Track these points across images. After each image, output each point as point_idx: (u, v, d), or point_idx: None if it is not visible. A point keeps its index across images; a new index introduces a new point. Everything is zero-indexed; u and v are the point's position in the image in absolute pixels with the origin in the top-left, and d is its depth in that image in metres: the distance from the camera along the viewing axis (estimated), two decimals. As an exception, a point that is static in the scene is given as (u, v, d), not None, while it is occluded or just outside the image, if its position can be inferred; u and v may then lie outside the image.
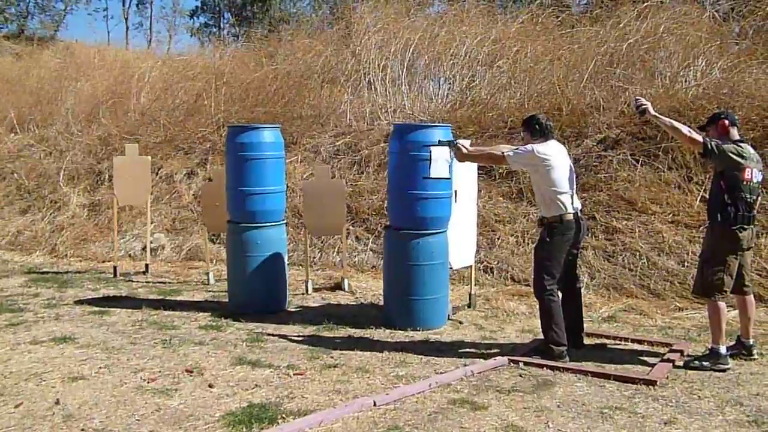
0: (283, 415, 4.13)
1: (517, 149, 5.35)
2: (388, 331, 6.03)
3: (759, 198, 5.12)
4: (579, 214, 5.20)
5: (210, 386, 4.64)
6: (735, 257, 4.99)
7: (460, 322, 6.30)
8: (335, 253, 8.58)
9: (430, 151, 5.98)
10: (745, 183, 4.92)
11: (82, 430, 3.98)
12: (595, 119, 8.90)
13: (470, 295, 6.78)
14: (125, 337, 5.79)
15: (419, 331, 6.00)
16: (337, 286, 7.56)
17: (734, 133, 5.11)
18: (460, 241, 6.42)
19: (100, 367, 5.02)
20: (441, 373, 4.92)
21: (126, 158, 8.49)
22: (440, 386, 4.64)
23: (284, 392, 4.55)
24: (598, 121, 8.86)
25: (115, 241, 8.76)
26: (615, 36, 10.16)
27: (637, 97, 5.02)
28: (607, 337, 5.79)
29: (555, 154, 5.15)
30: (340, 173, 9.46)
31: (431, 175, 6.02)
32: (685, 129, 5.01)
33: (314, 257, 8.51)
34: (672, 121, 5.07)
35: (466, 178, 6.50)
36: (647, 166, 8.13)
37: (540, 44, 10.81)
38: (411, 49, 11.45)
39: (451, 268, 6.43)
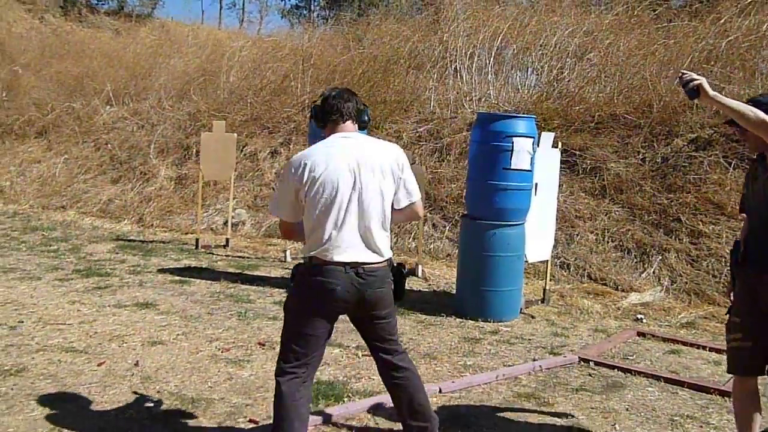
0: (350, 394, 4.20)
1: None
2: (458, 319, 6.02)
3: None
4: (356, 272, 3.08)
5: (281, 360, 4.75)
6: None
7: (532, 317, 6.23)
8: (411, 239, 8.60)
9: (513, 142, 5.92)
10: None
11: (158, 392, 4.15)
12: (687, 118, 8.58)
13: (544, 290, 6.68)
14: (203, 307, 5.98)
15: (490, 322, 5.96)
16: (411, 272, 7.57)
17: None
18: (537, 234, 6.33)
19: (178, 334, 5.23)
20: (509, 365, 4.89)
21: (213, 134, 8.72)
22: (507, 379, 4.62)
23: (352, 372, 4.62)
24: (691, 120, 8.53)
25: (198, 215, 9.03)
26: (714, 32, 9.75)
27: (683, 72, 3.30)
28: (684, 343, 5.62)
29: (317, 158, 3.12)
30: (420, 160, 9.45)
31: (512, 166, 5.96)
32: (760, 115, 3.18)
33: (390, 242, 8.53)
34: (742, 104, 3.25)
35: (547, 170, 6.39)
36: (740, 170, 7.78)
37: (634, 38, 10.48)
38: (500, 38, 11.30)
39: (526, 261, 6.36)
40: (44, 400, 3.96)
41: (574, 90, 10.02)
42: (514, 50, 11.46)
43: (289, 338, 3.19)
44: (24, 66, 15.37)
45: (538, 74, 11.06)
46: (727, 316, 3.45)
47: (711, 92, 3.17)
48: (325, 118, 3.27)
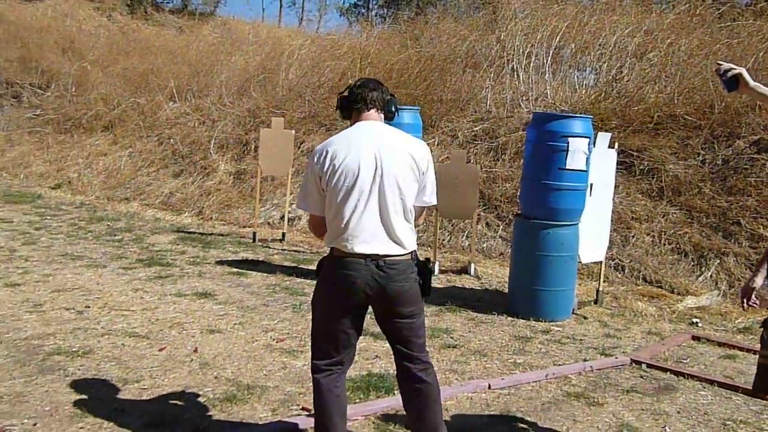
0: (400, 387, 4.27)
1: None
2: (510, 318, 6.04)
3: None
4: (377, 264, 3.00)
5: (333, 352, 4.87)
6: None
7: (585, 318, 6.21)
8: (464, 237, 8.63)
9: (568, 142, 5.91)
10: None
11: (216, 377, 4.32)
12: (750, 119, 8.40)
13: (598, 291, 6.65)
14: (259, 299, 6.15)
15: (542, 321, 5.97)
16: (464, 270, 7.63)
17: None
18: (591, 235, 6.30)
19: (235, 324, 5.40)
20: (559, 365, 4.91)
21: (271, 131, 8.90)
22: (557, 378, 4.64)
23: (402, 366, 4.69)
24: (753, 122, 8.36)
25: (256, 209, 9.24)
26: (781, 31, 9.52)
27: (720, 63, 3.10)
28: (740, 348, 5.52)
29: (339, 146, 3.07)
30: (475, 159, 9.48)
31: (567, 167, 5.96)
32: None
33: (443, 239, 8.60)
34: None
35: (603, 171, 6.36)
36: (804, 173, 7.60)
37: (696, 37, 10.27)
38: (558, 37, 11.22)
39: (580, 262, 6.34)
40: (108, 381, 4.16)
41: (633, 90, 9.89)
42: (572, 49, 11.37)
43: (318, 335, 3.17)
44: (92, 62, 15.93)
45: (596, 74, 10.95)
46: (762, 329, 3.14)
47: (752, 82, 2.95)
48: (350, 107, 3.19)
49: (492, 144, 9.76)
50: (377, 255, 2.99)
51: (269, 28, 19.76)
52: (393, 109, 3.25)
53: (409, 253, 3.08)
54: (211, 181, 10.90)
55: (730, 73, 2.97)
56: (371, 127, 3.13)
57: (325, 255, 3.18)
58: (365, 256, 2.99)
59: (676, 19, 11.03)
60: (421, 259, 3.17)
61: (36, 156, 13.14)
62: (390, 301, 3.05)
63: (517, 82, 10.96)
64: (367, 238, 2.99)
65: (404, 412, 3.80)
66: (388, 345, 4.98)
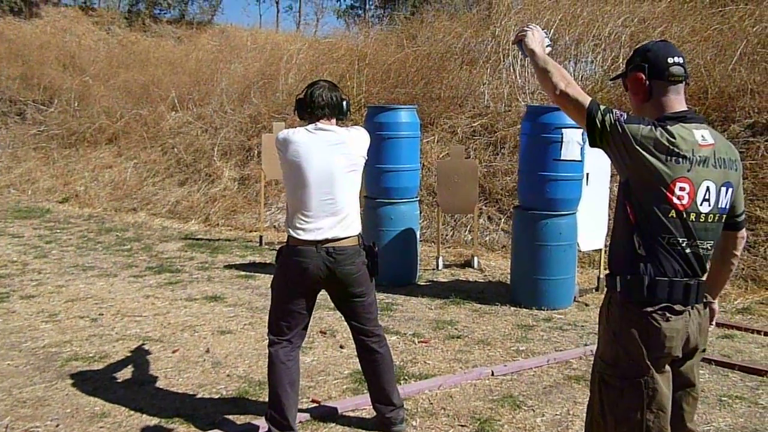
0: (406, 377, 4.43)
1: None
2: (513, 308, 6.18)
3: (711, 247, 2.41)
4: (327, 251, 3.39)
5: (341, 347, 5.03)
6: (651, 379, 2.34)
7: (586, 305, 6.34)
8: (467, 231, 8.77)
9: (562, 134, 6.04)
10: (675, 211, 2.31)
11: (228, 375, 4.48)
12: (743, 103, 8.50)
13: (599, 278, 6.77)
14: (267, 300, 6.17)
15: (544, 310, 6.10)
16: (467, 264, 7.76)
17: (671, 100, 2.43)
18: (589, 223, 6.43)
19: (245, 324, 5.55)
20: (560, 350, 5.04)
21: (273, 136, 9.03)
22: (558, 363, 4.77)
23: (408, 357, 4.85)
24: (747, 105, 8.45)
25: (261, 213, 9.40)
26: (772, 15, 9.62)
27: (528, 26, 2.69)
28: (738, 328, 5.65)
29: (297, 146, 3.42)
30: (475, 154, 9.61)
31: (562, 157, 6.08)
32: (560, 82, 2.42)
33: (446, 235, 8.74)
34: (543, 58, 2.54)
35: (599, 160, 6.47)
36: (799, 154, 7.71)
37: (688, 24, 10.39)
38: (552, 30, 11.33)
39: (580, 250, 6.47)
40: (126, 383, 4.32)
41: (629, 79, 9.99)
42: (566, 42, 11.48)
43: (275, 313, 3.58)
44: (93, 76, 16.11)
45: (592, 65, 11.06)
46: None
47: (530, 46, 2.56)
48: (304, 111, 3.52)
49: (491, 138, 9.89)
50: (326, 240, 3.40)
51: (267, 33, 19.86)
52: (345, 109, 3.58)
53: (355, 236, 3.49)
54: (216, 187, 11.06)
55: (520, 33, 2.60)
56: (322, 127, 3.47)
57: (283, 245, 3.55)
58: (315, 243, 3.39)
59: (668, 7, 11.14)
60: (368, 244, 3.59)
61: (42, 171, 13.33)
62: (341, 283, 3.48)
63: (513, 77, 11.08)
64: (319, 228, 3.40)
65: (410, 402, 3.96)
66: (393, 339, 5.15)
